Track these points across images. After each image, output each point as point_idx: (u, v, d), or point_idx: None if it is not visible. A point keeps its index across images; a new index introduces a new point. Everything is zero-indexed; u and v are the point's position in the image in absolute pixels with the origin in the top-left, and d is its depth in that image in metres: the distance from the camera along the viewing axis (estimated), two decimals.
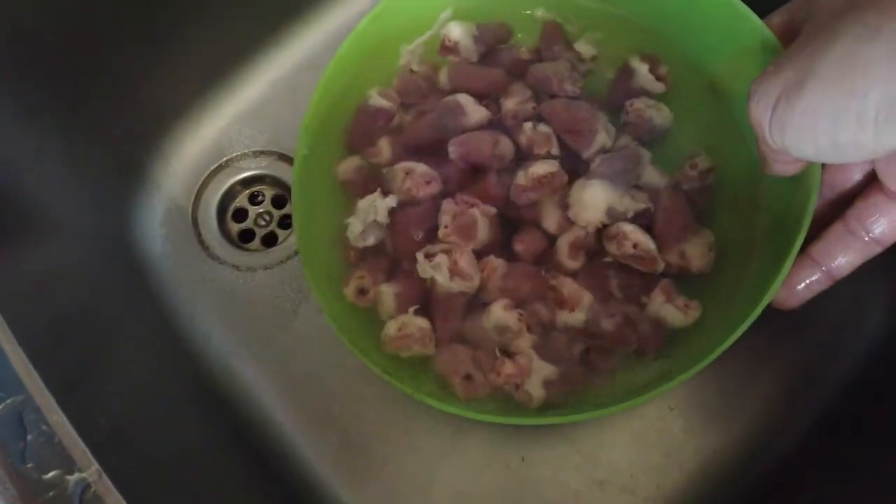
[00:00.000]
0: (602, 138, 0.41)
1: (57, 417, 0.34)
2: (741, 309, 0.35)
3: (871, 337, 0.46)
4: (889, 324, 0.46)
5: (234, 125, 0.54)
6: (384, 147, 0.43)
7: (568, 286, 0.39)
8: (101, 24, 0.47)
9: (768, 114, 0.29)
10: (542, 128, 0.41)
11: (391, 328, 0.39)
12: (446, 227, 0.39)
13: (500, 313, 0.38)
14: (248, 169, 0.54)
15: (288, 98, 0.55)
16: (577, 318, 0.39)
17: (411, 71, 0.45)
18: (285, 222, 0.53)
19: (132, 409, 0.40)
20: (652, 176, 0.41)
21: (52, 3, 0.44)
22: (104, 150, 0.50)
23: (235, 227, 0.53)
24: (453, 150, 0.41)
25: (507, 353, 0.38)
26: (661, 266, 0.39)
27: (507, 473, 0.45)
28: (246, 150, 0.54)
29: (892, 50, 0.24)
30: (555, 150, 0.41)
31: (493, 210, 0.40)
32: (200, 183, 0.53)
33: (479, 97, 0.43)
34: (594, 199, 0.39)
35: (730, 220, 0.41)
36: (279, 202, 0.54)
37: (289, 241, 0.52)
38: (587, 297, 0.39)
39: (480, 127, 0.42)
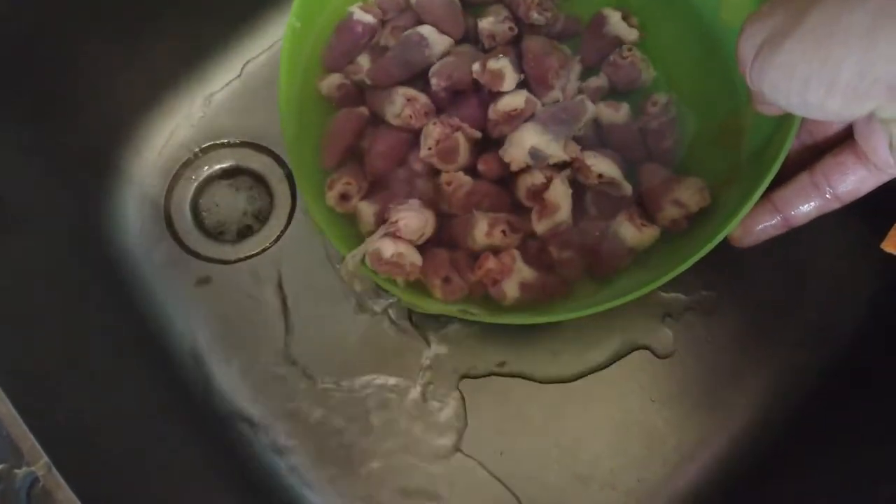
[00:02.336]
0: (556, 94, 0.41)
1: (5, 409, 0.33)
2: (702, 238, 0.37)
3: (852, 332, 0.46)
4: (869, 320, 0.45)
5: (207, 116, 0.53)
6: (364, 64, 0.44)
7: (554, 191, 0.40)
8: (71, 13, 0.46)
9: (751, 56, 0.29)
10: (493, 63, 0.40)
11: (387, 250, 0.38)
12: (430, 149, 0.40)
13: (483, 239, 0.39)
14: (222, 160, 0.53)
15: (262, 88, 0.54)
16: (548, 224, 0.40)
17: None
18: (260, 214, 0.52)
19: (93, 403, 0.39)
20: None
21: None
22: (75, 142, 0.50)
23: (209, 220, 0.52)
24: (435, 81, 0.41)
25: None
26: (628, 190, 0.40)
27: (485, 470, 0.44)
28: (219, 141, 0.53)
29: (873, 21, 0.24)
30: (507, 87, 0.41)
31: (477, 134, 0.41)
32: (173, 175, 0.52)
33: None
34: (521, 139, 0.39)
35: (714, 153, 0.41)
36: (254, 193, 0.53)
37: (264, 232, 0.51)
38: (566, 208, 0.40)
39: (446, 55, 0.42)
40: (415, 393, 0.46)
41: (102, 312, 0.47)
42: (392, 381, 0.46)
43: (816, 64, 0.26)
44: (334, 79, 0.44)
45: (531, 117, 0.40)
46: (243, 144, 0.53)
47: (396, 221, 0.38)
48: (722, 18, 0.42)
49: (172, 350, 0.48)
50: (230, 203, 0.52)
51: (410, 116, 0.41)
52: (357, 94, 0.44)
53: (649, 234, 0.39)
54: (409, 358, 0.47)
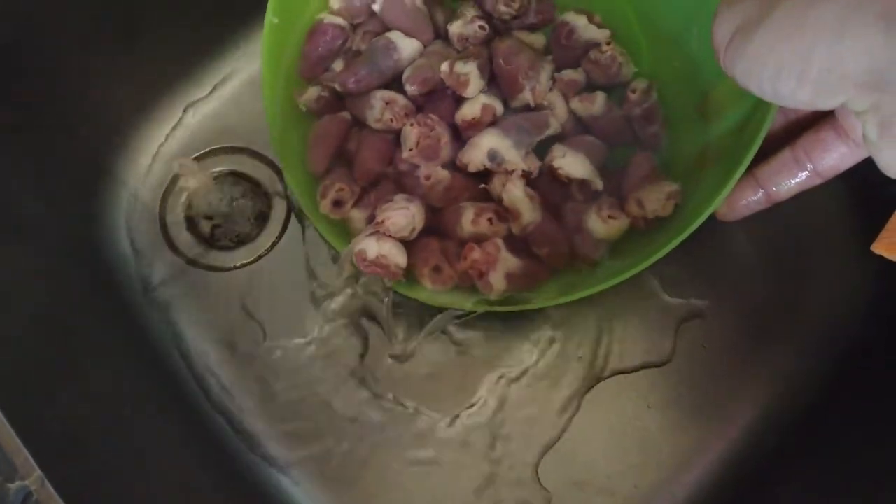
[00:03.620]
0: (525, 97, 0.41)
1: None
2: (687, 216, 0.37)
3: (851, 338, 0.45)
4: (868, 325, 0.45)
5: (201, 122, 0.53)
6: (339, 68, 0.44)
7: (509, 197, 0.40)
8: (64, 20, 0.46)
9: (724, 43, 0.29)
10: (460, 67, 0.40)
11: (371, 250, 0.38)
12: (411, 149, 0.40)
13: (470, 227, 0.40)
14: (218, 166, 0.52)
15: (258, 93, 0.53)
16: (518, 227, 0.40)
17: None
18: (256, 220, 0.52)
19: (89, 416, 0.39)
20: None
21: (9, 3, 0.43)
22: (69, 149, 0.49)
23: (204, 227, 0.52)
24: (409, 87, 0.41)
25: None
26: (599, 186, 0.40)
27: (482, 475, 0.44)
28: (214, 147, 0.53)
29: (840, 15, 0.24)
30: (470, 92, 0.41)
31: (447, 137, 0.41)
32: (168, 181, 0.52)
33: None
34: (479, 142, 0.40)
35: (688, 130, 0.42)
36: (250, 199, 0.52)
37: (260, 238, 0.51)
38: (528, 210, 0.40)
39: (418, 58, 0.42)
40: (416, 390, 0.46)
41: (97, 322, 0.46)
42: (386, 383, 0.46)
43: (786, 56, 0.26)
44: (312, 92, 0.44)
45: (494, 122, 0.41)
46: (238, 150, 0.53)
47: (382, 221, 0.38)
48: None
49: (168, 360, 0.47)
50: (226, 209, 0.52)
51: (391, 119, 0.41)
52: (337, 101, 0.44)
53: (615, 225, 0.40)
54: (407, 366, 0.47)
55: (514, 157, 0.40)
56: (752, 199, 0.37)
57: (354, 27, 0.45)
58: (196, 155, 0.52)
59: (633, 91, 0.42)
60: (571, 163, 0.40)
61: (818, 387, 0.44)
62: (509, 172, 0.40)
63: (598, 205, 0.40)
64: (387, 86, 0.43)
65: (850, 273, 0.46)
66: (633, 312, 0.46)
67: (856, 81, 0.25)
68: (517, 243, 0.40)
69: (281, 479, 0.45)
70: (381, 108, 0.41)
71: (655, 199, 0.39)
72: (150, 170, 0.52)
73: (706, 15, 0.38)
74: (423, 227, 0.40)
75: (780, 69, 0.26)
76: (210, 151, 0.52)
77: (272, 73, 0.43)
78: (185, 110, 0.53)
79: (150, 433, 0.43)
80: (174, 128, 0.53)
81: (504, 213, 0.40)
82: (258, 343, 0.48)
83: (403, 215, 0.39)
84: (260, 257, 0.50)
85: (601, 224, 0.40)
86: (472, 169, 0.40)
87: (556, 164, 0.40)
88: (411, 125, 0.40)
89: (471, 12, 0.43)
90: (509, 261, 0.39)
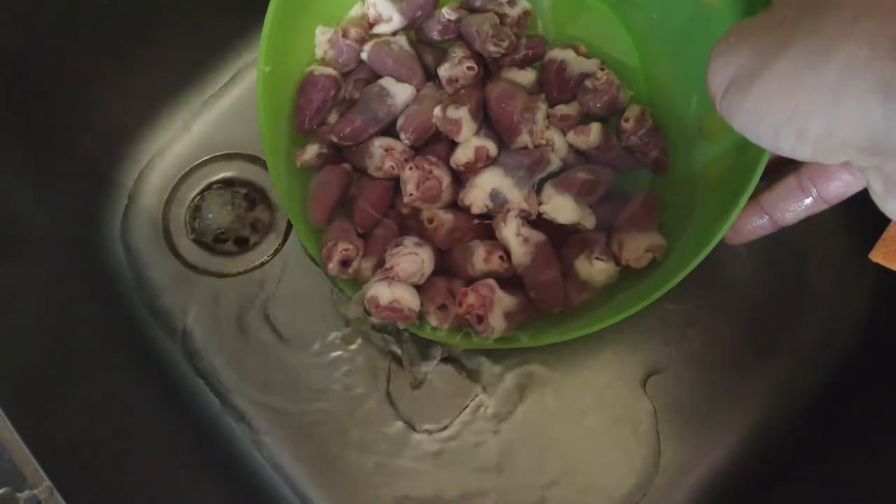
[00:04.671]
0: (523, 140, 0.41)
1: (7, 433, 0.33)
2: (692, 247, 0.37)
3: (849, 346, 0.46)
4: (866, 334, 0.45)
5: (204, 129, 0.53)
6: (335, 121, 0.44)
7: (501, 236, 0.40)
8: (66, 29, 0.46)
9: (720, 92, 0.28)
10: (451, 112, 0.40)
11: (383, 296, 0.38)
12: (412, 194, 0.40)
13: (482, 265, 0.39)
14: (220, 173, 0.53)
15: None
16: (513, 266, 0.40)
17: (343, 36, 0.43)
18: (259, 226, 0.52)
19: (94, 425, 0.39)
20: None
21: (11, 12, 0.43)
22: (71, 157, 0.50)
23: (208, 233, 0.52)
24: (404, 136, 0.41)
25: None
26: (590, 225, 0.40)
27: (485, 480, 0.44)
28: (217, 154, 0.53)
29: (839, 79, 0.23)
30: (463, 137, 0.40)
31: (448, 178, 0.41)
32: (171, 188, 0.52)
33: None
34: (482, 182, 0.40)
35: (690, 150, 0.41)
36: (252, 205, 0.53)
37: (263, 245, 0.51)
38: (518, 252, 0.39)
39: (411, 103, 0.42)
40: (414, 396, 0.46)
41: (100, 330, 0.47)
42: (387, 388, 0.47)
43: (785, 115, 0.25)
44: (311, 150, 0.43)
45: (494, 162, 0.40)
46: (241, 157, 0.53)
47: (392, 268, 0.38)
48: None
49: (173, 367, 0.48)
50: (229, 216, 0.52)
51: (392, 167, 0.41)
52: (336, 154, 0.44)
53: (601, 269, 0.39)
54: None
55: (517, 196, 0.39)
56: (757, 225, 0.36)
57: (345, 76, 0.44)
58: (198, 162, 0.53)
59: (627, 120, 0.41)
60: (556, 207, 0.40)
61: (816, 394, 0.44)
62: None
63: (591, 246, 0.40)
64: (384, 132, 0.42)
65: (848, 281, 0.46)
66: (632, 319, 0.46)
67: (856, 146, 0.24)
68: (514, 279, 0.40)
69: (289, 487, 0.45)
70: (381, 156, 0.41)
71: (635, 248, 0.39)
72: (152, 177, 0.52)
73: (703, 36, 0.38)
74: (433, 269, 0.40)
75: (777, 127, 0.25)
76: (212, 158, 0.53)
77: (271, 124, 0.42)
78: (186, 118, 0.53)
79: (158, 441, 0.43)
80: (177, 135, 0.53)
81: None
82: (263, 349, 0.48)
83: (412, 261, 0.38)
84: (263, 263, 0.50)
85: (587, 266, 0.39)
86: (475, 210, 0.40)
87: (542, 209, 0.40)
88: (410, 169, 0.40)
89: (459, 53, 0.42)
90: (505, 300, 0.38)
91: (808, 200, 0.35)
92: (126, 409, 0.43)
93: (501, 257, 0.39)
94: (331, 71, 0.43)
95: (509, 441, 0.45)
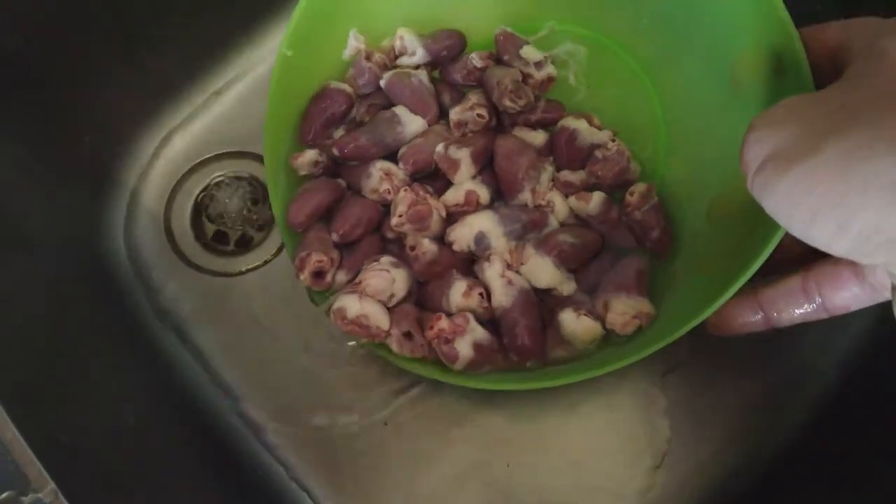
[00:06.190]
0: (524, 198, 0.40)
1: (11, 435, 0.32)
2: (669, 324, 0.35)
3: (847, 357, 0.45)
4: (861, 347, 0.45)
5: (206, 126, 0.53)
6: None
7: (485, 274, 0.39)
8: (68, 28, 0.45)
9: (754, 167, 0.26)
10: (453, 152, 0.40)
11: (351, 308, 0.37)
12: (400, 216, 0.39)
13: (460, 300, 0.38)
14: (223, 171, 0.52)
15: (262, 97, 0.51)
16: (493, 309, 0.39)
17: (366, 59, 0.43)
18: (262, 225, 0.51)
19: (96, 426, 0.39)
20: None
21: (12, 11, 0.42)
22: (72, 155, 0.49)
23: (210, 231, 0.51)
24: (401, 165, 0.41)
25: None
26: (566, 292, 0.39)
27: (493, 481, 0.44)
28: (220, 152, 0.52)
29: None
30: (459, 178, 0.40)
31: (443, 210, 0.40)
32: (173, 186, 0.52)
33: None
34: (471, 221, 0.39)
35: (696, 233, 0.40)
36: (255, 204, 0.52)
37: (265, 243, 0.50)
38: (500, 293, 0.39)
39: (418, 136, 0.42)
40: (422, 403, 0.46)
41: (104, 329, 0.46)
42: (398, 395, 0.46)
43: (825, 205, 0.23)
44: (311, 155, 0.42)
45: (491, 208, 0.40)
46: (244, 155, 0.52)
47: (360, 282, 0.37)
48: (733, 78, 0.39)
49: (176, 367, 0.47)
50: (231, 214, 0.52)
51: (387, 191, 0.40)
52: (333, 169, 0.43)
53: (587, 328, 0.38)
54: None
55: (502, 245, 0.39)
56: (749, 319, 0.34)
57: (360, 98, 0.44)
58: (201, 160, 0.52)
59: (632, 194, 0.40)
60: (533, 269, 0.39)
61: (821, 402, 0.44)
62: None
63: (577, 304, 0.39)
64: (385, 158, 0.42)
65: None
66: None
67: None
68: (491, 323, 0.39)
69: (294, 489, 0.45)
70: (379, 178, 0.40)
71: (621, 313, 0.37)
72: (154, 176, 0.52)
73: (731, 115, 0.38)
74: (405, 296, 0.39)
75: (815, 216, 0.24)
76: (215, 156, 0.52)
77: (279, 110, 0.42)
78: (189, 116, 0.52)
79: (161, 443, 0.43)
80: (179, 133, 0.52)
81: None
82: (266, 348, 0.47)
83: (383, 278, 0.37)
84: (266, 262, 0.50)
85: (572, 320, 0.38)
86: (456, 248, 0.39)
87: (524, 269, 0.39)
88: (405, 190, 0.39)
89: (473, 99, 0.42)
90: (478, 332, 0.37)
91: (810, 306, 0.33)
92: (129, 409, 0.43)
93: (481, 294, 0.38)
94: (347, 87, 0.43)
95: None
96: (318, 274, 0.39)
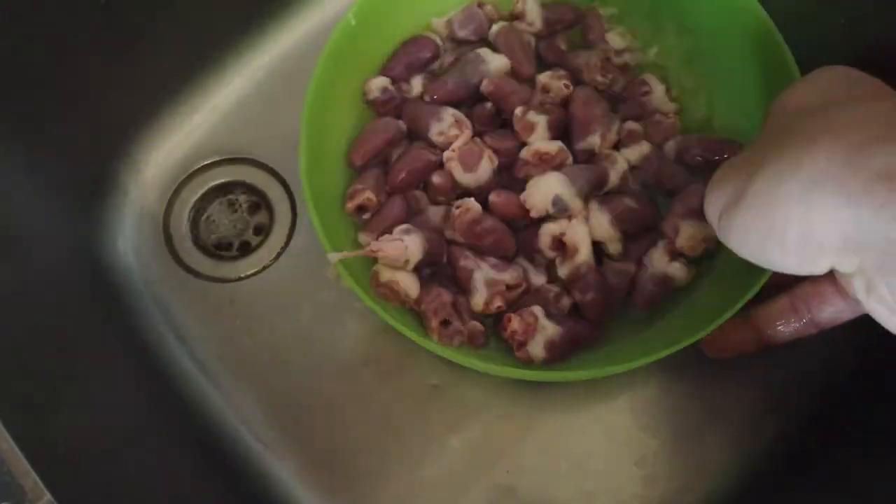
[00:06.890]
0: (593, 141, 0.42)
1: (6, 445, 0.32)
2: (688, 326, 0.38)
3: (847, 357, 0.45)
4: (861, 347, 0.45)
5: (205, 132, 0.52)
6: (416, 86, 0.45)
7: (571, 233, 0.40)
8: (67, 29, 0.45)
9: (715, 221, 0.31)
10: (532, 115, 0.42)
11: (384, 274, 0.38)
12: (454, 150, 0.41)
13: (481, 307, 0.40)
14: (222, 176, 0.52)
15: (262, 102, 0.53)
16: (570, 267, 0.40)
17: (479, 6, 0.45)
18: (260, 231, 0.51)
19: (93, 434, 0.38)
20: None
21: (11, 12, 0.42)
22: (70, 160, 0.48)
23: (209, 237, 0.51)
24: (486, 84, 0.42)
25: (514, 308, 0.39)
26: (616, 251, 0.41)
27: (493, 486, 0.44)
28: (219, 157, 0.52)
29: (805, 189, 0.26)
30: (533, 140, 0.42)
31: (495, 159, 0.42)
32: (172, 192, 0.51)
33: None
34: (546, 185, 0.40)
35: None
36: (254, 210, 0.52)
37: (264, 250, 0.50)
38: (585, 251, 0.40)
39: (501, 73, 0.43)
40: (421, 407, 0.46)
41: (102, 336, 0.46)
42: (397, 398, 0.46)
43: (765, 230, 0.28)
44: (382, 81, 0.44)
45: (558, 167, 0.41)
46: (243, 161, 0.52)
47: (376, 251, 0.38)
48: None
49: (176, 375, 0.47)
50: (230, 220, 0.51)
51: (456, 136, 0.42)
52: (397, 106, 0.44)
53: (677, 268, 0.40)
54: (413, 374, 0.46)
55: (578, 205, 0.40)
56: (742, 341, 0.38)
57: (454, 42, 0.46)
58: (200, 165, 0.52)
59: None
60: (591, 222, 0.41)
61: (817, 405, 0.45)
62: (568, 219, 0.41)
63: (668, 251, 0.40)
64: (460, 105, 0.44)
65: None
66: None
67: (834, 247, 0.26)
68: (554, 309, 0.40)
69: (295, 493, 0.45)
70: (450, 123, 0.42)
71: (690, 236, 0.39)
72: (153, 180, 0.51)
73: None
74: (421, 258, 0.39)
75: (762, 241, 0.28)
76: (214, 162, 0.52)
77: (328, 72, 0.42)
78: (188, 120, 0.52)
79: (159, 451, 0.42)
80: (178, 138, 0.52)
81: (515, 279, 0.40)
82: (265, 353, 0.47)
83: (395, 247, 0.38)
84: (265, 268, 0.50)
85: (663, 261, 0.40)
86: (534, 214, 0.40)
87: (566, 235, 0.41)
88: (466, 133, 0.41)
89: (562, 72, 0.44)
90: (549, 328, 0.39)
91: (800, 322, 0.37)
92: (127, 415, 0.42)
93: (500, 306, 0.39)
94: (437, 38, 0.45)
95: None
96: (362, 209, 0.41)
